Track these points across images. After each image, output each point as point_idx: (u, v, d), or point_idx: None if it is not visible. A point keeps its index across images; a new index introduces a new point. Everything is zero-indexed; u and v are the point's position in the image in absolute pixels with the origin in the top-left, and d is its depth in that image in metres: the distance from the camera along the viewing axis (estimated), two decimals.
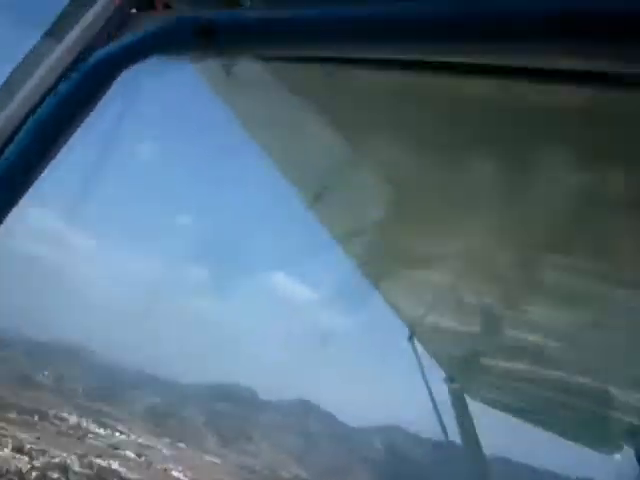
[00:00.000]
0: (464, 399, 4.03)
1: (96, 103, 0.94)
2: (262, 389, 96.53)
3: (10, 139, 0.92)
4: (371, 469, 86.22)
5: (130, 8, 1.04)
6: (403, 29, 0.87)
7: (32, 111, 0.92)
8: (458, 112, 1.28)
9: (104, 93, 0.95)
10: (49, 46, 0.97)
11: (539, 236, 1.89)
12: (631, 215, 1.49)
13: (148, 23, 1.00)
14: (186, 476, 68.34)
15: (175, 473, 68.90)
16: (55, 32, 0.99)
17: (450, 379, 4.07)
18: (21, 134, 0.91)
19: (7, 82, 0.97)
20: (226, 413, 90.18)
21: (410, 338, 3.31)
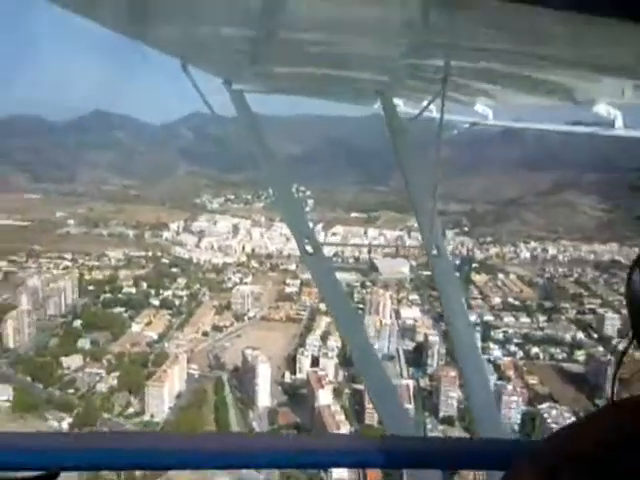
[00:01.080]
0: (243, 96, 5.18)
1: None
2: (49, 113, 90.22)
3: None
4: (187, 152, 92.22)
5: None
6: None
7: None
8: None
9: None
10: None
11: None
12: None
13: None
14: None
15: None
16: None
17: (227, 82, 4.95)
18: None
19: None
20: (24, 147, 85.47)
21: (184, 67, 3.69)
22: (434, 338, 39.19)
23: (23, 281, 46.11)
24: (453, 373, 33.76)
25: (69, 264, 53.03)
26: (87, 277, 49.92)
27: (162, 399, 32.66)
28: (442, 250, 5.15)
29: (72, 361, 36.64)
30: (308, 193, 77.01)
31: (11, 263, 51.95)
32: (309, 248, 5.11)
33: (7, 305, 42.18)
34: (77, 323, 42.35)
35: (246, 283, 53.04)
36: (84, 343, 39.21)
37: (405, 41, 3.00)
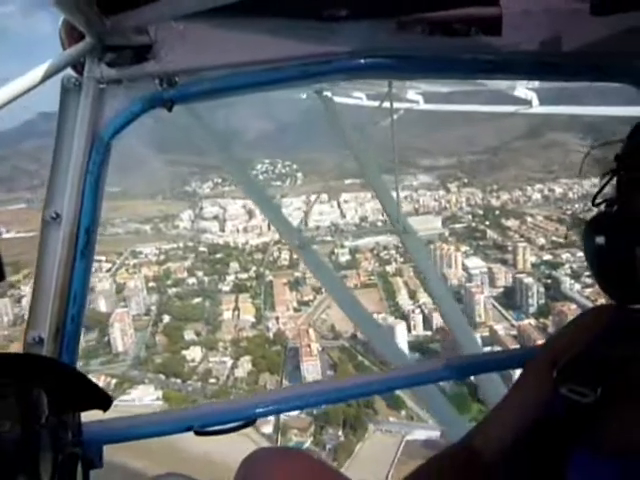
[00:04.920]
0: None
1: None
2: None
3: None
4: (156, 144, 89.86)
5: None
6: None
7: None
8: None
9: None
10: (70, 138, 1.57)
11: None
12: None
13: (120, 99, 1.58)
14: None
15: None
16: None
17: None
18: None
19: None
20: None
21: None
22: (528, 280, 41.76)
23: (92, 286, 45.23)
24: (574, 306, 36.42)
25: (108, 265, 52.12)
26: (139, 275, 49.48)
27: (318, 373, 33.59)
28: (408, 226, 6.16)
29: (193, 353, 36.83)
30: (295, 167, 77.94)
31: None
32: (297, 241, 5.99)
33: (96, 311, 41.46)
34: (167, 319, 42.18)
35: (298, 259, 53.77)
36: (190, 335, 39.30)
37: None
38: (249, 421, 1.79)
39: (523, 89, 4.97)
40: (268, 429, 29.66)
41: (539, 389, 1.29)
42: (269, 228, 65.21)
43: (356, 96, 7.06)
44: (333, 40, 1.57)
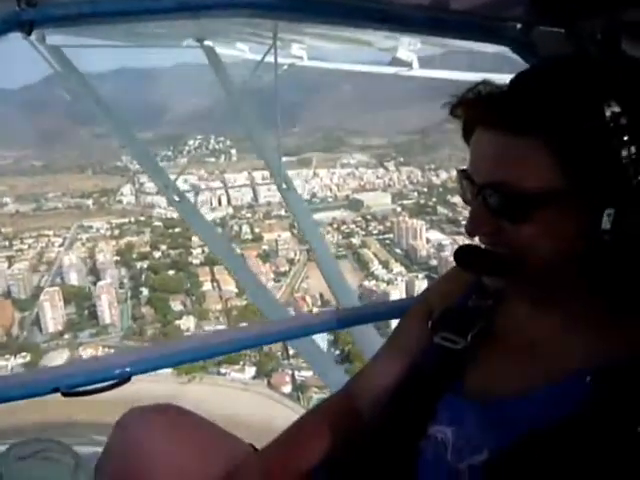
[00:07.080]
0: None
1: None
2: None
3: None
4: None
5: None
6: None
7: None
8: None
9: None
10: None
11: None
12: None
13: None
14: None
15: None
16: None
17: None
18: None
19: None
20: None
21: None
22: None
23: (55, 259, 43.57)
24: None
25: (58, 240, 50.28)
26: (104, 248, 48.23)
27: (323, 337, 34.46)
28: (290, 183, 6.17)
29: (187, 323, 36.61)
30: (228, 143, 77.53)
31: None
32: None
33: (69, 285, 40.03)
34: (145, 291, 41.48)
35: (262, 231, 54.66)
36: (177, 307, 38.96)
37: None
38: (122, 379, 1.66)
39: (405, 51, 5.00)
40: (287, 389, 30.57)
41: (415, 338, 1.32)
42: (219, 203, 65.20)
43: (239, 48, 6.77)
44: None
